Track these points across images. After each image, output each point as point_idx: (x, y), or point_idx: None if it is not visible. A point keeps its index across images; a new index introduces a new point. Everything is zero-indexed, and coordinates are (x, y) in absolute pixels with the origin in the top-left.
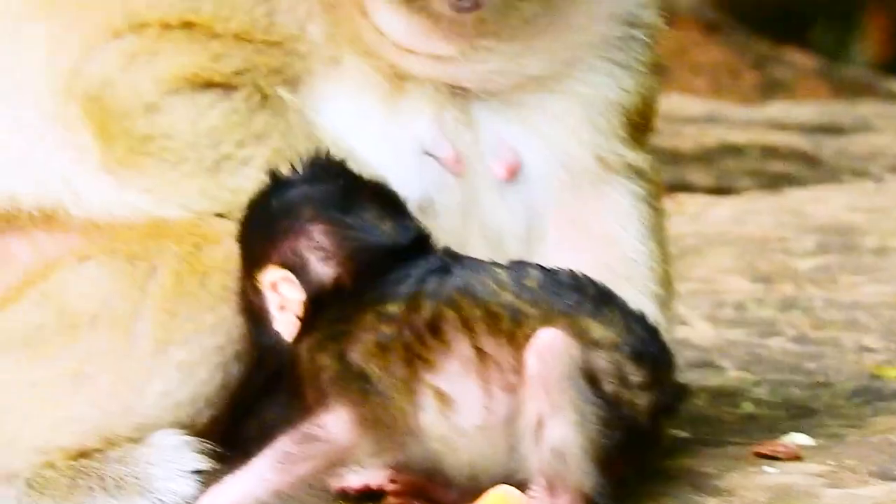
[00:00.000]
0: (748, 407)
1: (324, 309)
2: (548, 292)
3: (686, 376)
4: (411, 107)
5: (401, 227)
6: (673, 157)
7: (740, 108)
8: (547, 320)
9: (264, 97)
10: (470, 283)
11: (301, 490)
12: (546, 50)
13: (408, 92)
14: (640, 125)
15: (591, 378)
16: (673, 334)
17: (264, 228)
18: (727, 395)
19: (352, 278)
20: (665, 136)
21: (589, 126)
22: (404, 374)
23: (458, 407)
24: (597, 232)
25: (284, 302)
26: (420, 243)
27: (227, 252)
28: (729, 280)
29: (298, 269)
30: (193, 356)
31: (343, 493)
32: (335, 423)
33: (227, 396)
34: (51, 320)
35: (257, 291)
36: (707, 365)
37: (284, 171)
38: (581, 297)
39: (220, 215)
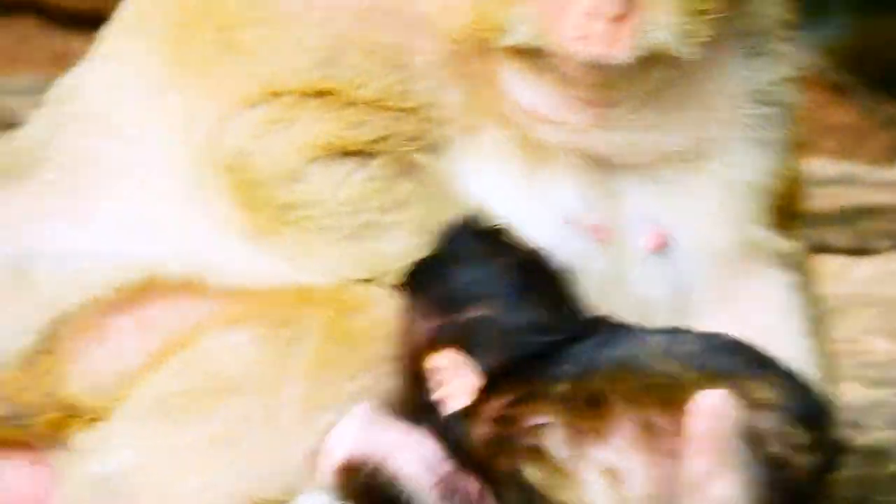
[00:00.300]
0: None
1: (488, 389)
2: (707, 356)
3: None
4: (553, 176)
5: (570, 316)
6: (810, 219)
7: (872, 168)
8: (708, 383)
9: (403, 164)
10: (630, 354)
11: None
12: (682, 125)
13: (549, 161)
14: (785, 209)
15: (753, 439)
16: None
17: (435, 303)
18: (875, 455)
19: (520, 363)
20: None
21: (731, 209)
22: (569, 453)
23: (625, 479)
24: (753, 322)
25: (450, 379)
26: (587, 323)
27: (373, 319)
28: (872, 340)
29: (473, 356)
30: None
31: None
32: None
33: None
34: (196, 387)
35: (422, 362)
36: (854, 425)
37: (454, 241)
38: (741, 360)
39: (364, 282)
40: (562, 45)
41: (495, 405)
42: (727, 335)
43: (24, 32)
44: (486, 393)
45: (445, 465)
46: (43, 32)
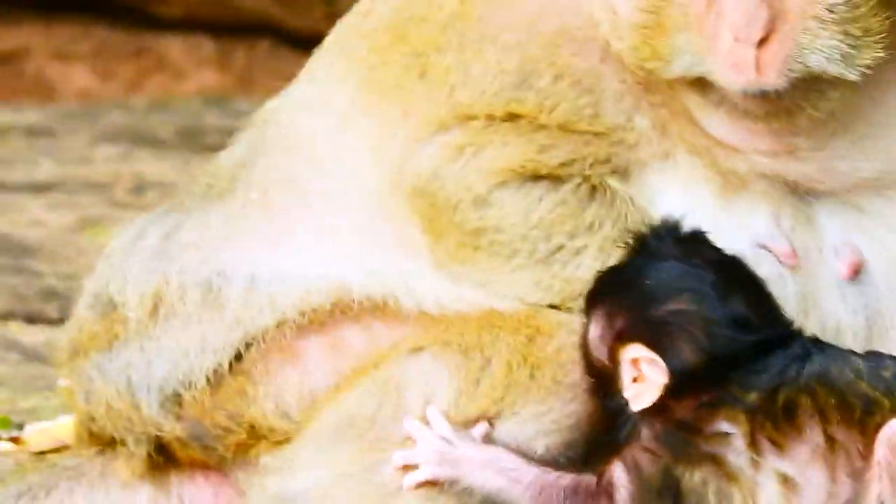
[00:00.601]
0: None
1: (676, 390)
2: None
3: None
4: (746, 201)
5: (769, 320)
6: None
7: None
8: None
9: (593, 187)
10: (828, 372)
11: None
12: (875, 152)
13: (741, 187)
14: None
15: None
16: None
17: (636, 301)
18: None
19: (716, 369)
20: None
21: None
22: (748, 461)
23: (802, 491)
24: None
25: (642, 378)
26: (785, 333)
27: (560, 345)
28: None
29: (665, 354)
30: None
31: None
32: None
33: None
34: (385, 411)
35: (614, 359)
36: None
37: (652, 241)
38: None
39: (553, 306)
40: (718, 75)
41: (682, 407)
42: None
43: (259, 54)
44: (673, 393)
45: (531, 472)
46: (277, 54)
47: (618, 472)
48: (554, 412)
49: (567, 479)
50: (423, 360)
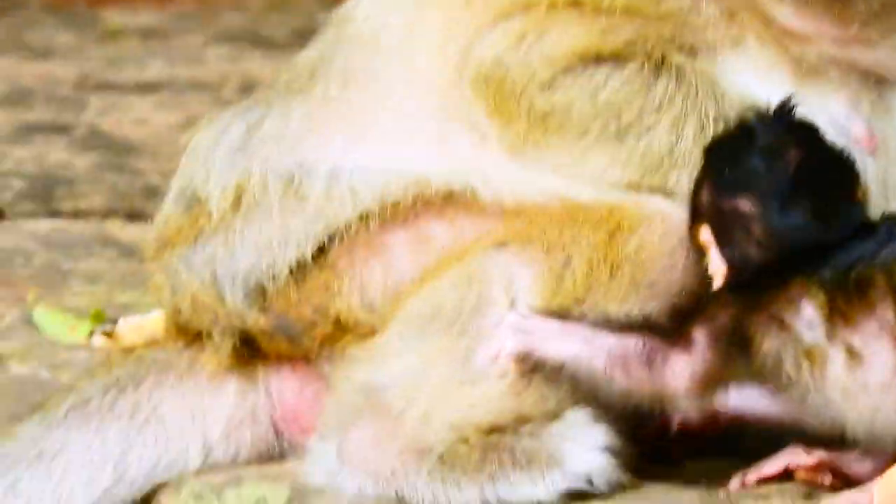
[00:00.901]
0: None
1: (747, 280)
2: None
3: None
4: (822, 87)
5: (842, 220)
6: None
7: None
8: None
9: (658, 65)
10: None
11: (600, 386)
12: None
13: (814, 75)
14: None
15: None
16: None
17: (713, 186)
18: None
19: (779, 265)
20: None
21: None
22: (818, 332)
23: (866, 364)
24: None
25: (711, 261)
26: (862, 228)
27: (641, 243)
28: None
29: (725, 243)
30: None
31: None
32: (681, 368)
33: None
34: (469, 302)
35: (695, 236)
36: None
37: (758, 124)
38: None
39: (633, 187)
40: None
41: (743, 292)
42: None
43: None
44: (738, 279)
45: (609, 337)
46: None
47: (696, 329)
48: (633, 312)
49: (647, 341)
50: (507, 255)
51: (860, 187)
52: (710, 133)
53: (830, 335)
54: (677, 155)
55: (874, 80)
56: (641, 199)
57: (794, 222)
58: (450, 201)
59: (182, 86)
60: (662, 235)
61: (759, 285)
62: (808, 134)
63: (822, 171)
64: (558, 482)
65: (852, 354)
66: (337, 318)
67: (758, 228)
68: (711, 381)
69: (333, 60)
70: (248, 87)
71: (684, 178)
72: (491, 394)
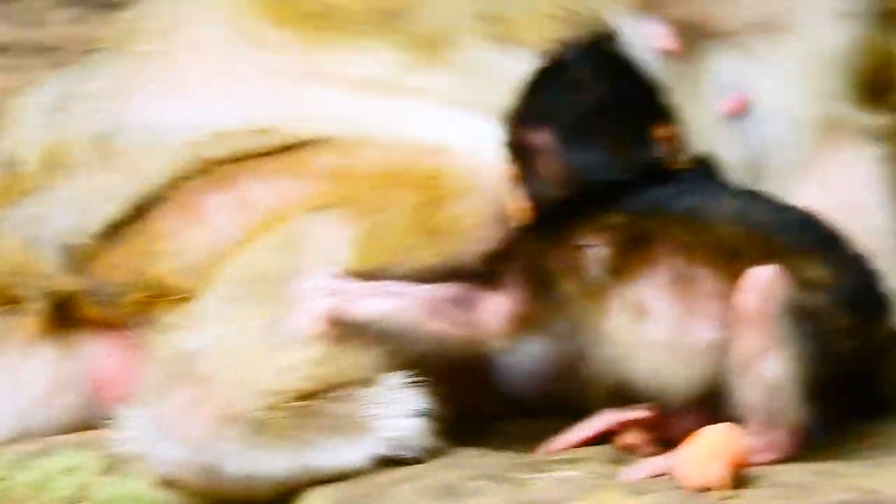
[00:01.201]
0: None
1: (546, 217)
2: (773, 227)
3: None
4: None
5: (641, 160)
6: None
7: None
8: (765, 256)
9: None
10: (699, 206)
11: (414, 336)
12: None
13: None
14: (873, 83)
15: (801, 317)
16: None
17: (518, 116)
18: None
19: (576, 202)
20: None
21: (813, 81)
22: (604, 280)
23: (649, 318)
24: (836, 194)
25: (515, 197)
26: (672, 172)
27: (460, 211)
28: None
29: (525, 179)
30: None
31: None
32: (494, 309)
33: None
34: (286, 266)
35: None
36: None
37: (572, 54)
38: (805, 237)
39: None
40: None
41: (542, 225)
42: (801, 209)
43: None
44: (532, 220)
45: (421, 289)
46: None
47: (506, 269)
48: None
49: (460, 287)
50: (325, 218)
51: (671, 127)
52: None
53: (615, 282)
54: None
55: (690, 33)
56: (466, 160)
57: (588, 158)
58: (271, 160)
59: (25, 49)
60: (484, 203)
61: (557, 222)
62: (618, 67)
63: (625, 107)
64: (369, 448)
65: (636, 307)
66: (154, 283)
67: (554, 163)
68: (524, 321)
69: (150, 17)
70: (90, 52)
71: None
72: (302, 359)
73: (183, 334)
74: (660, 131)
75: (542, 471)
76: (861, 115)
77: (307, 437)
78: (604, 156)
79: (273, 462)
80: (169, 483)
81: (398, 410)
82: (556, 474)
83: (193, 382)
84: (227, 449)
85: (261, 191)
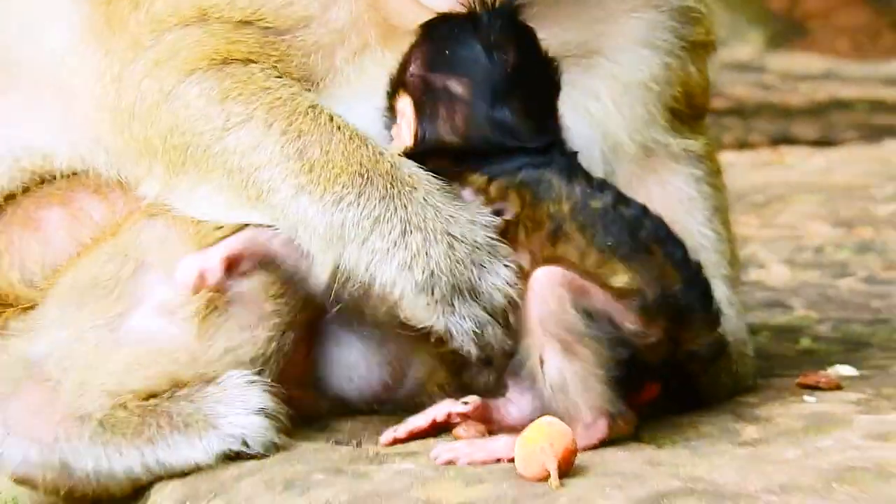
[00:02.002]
0: (806, 342)
1: (426, 156)
2: (602, 221)
3: (756, 315)
4: None
5: (537, 132)
6: (783, 112)
7: (857, 65)
8: (577, 250)
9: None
10: (541, 182)
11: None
12: (580, 22)
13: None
14: (687, 109)
15: (590, 315)
16: (743, 311)
17: (429, 61)
18: (789, 332)
19: (462, 155)
20: (778, 93)
21: (628, 108)
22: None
23: None
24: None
25: (399, 130)
26: (550, 146)
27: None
28: (811, 225)
29: (422, 117)
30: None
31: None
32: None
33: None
34: (126, 270)
35: (393, 101)
36: (777, 305)
37: (488, 15)
38: (629, 237)
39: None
40: None
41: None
42: (642, 207)
43: None
44: (415, 155)
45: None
46: None
47: None
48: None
49: None
50: (157, 224)
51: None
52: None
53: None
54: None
55: None
56: None
57: (499, 118)
58: (107, 181)
59: None
60: None
61: (435, 167)
62: (527, 37)
63: (535, 78)
64: (214, 444)
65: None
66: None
67: (462, 112)
68: None
69: None
70: None
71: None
72: (144, 358)
73: (26, 339)
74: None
75: (382, 463)
76: (675, 140)
77: (155, 435)
78: (514, 118)
79: (122, 459)
80: (22, 481)
81: (240, 407)
82: (395, 466)
83: (39, 385)
84: (76, 448)
85: (94, 206)
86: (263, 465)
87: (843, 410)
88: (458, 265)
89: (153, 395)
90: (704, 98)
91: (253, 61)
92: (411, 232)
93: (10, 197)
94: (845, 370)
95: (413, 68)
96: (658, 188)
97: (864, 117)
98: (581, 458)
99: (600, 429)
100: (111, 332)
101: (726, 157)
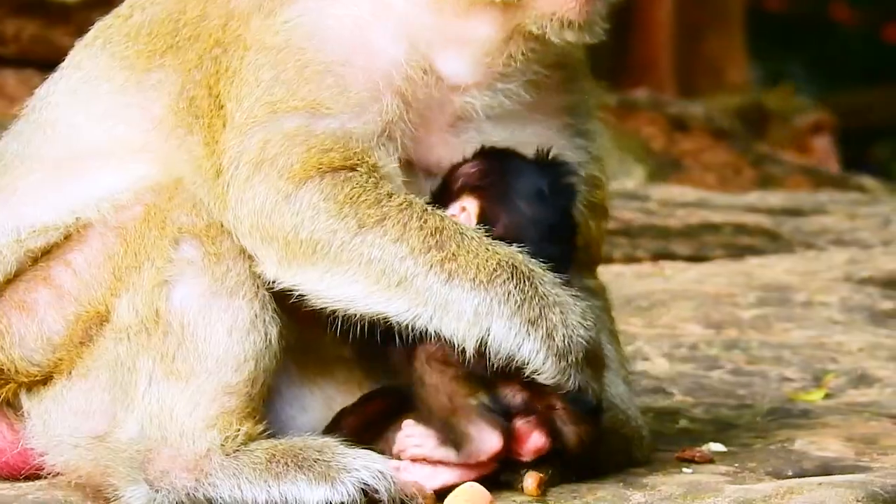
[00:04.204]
0: (684, 423)
1: None
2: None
3: (642, 400)
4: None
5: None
6: (663, 233)
7: (725, 195)
8: None
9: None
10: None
11: None
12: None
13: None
14: (584, 259)
15: None
16: (632, 399)
17: (502, 174)
18: (670, 414)
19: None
20: (659, 217)
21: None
22: None
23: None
24: None
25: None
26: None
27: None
28: (686, 326)
29: (482, 217)
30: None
31: None
32: None
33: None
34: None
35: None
36: (659, 391)
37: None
38: None
39: None
40: None
41: None
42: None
43: None
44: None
45: None
46: None
47: None
48: None
49: None
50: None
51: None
52: None
53: None
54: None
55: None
56: None
57: (548, 251)
58: (68, 243)
59: None
60: None
61: None
62: (573, 193)
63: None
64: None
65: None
66: (3, 370)
67: (518, 230)
68: None
69: (9, 144)
70: None
71: None
72: (206, 381)
73: (115, 430)
74: None
75: None
76: (583, 279)
77: (281, 472)
78: (558, 254)
79: (252, 489)
80: None
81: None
82: None
83: (158, 451)
84: (214, 483)
85: (65, 276)
86: None
87: (715, 480)
88: (588, 333)
89: (244, 411)
90: (598, 249)
91: (357, 165)
92: (551, 307)
93: (5, 279)
94: (716, 447)
95: (488, 181)
96: None
97: (729, 238)
98: None
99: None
100: (167, 372)
101: (616, 269)
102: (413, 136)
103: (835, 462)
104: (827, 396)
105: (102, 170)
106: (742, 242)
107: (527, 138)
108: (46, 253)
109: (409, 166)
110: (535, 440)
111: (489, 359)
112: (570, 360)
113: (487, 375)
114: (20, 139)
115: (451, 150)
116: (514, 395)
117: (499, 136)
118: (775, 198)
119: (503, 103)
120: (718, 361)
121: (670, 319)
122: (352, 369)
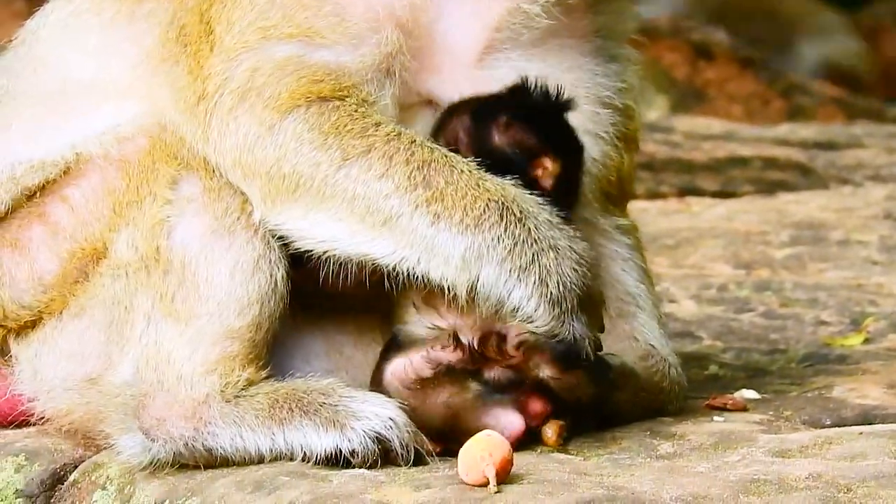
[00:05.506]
0: (713, 369)
1: None
2: None
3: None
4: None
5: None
6: (688, 167)
7: (753, 128)
8: None
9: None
10: None
11: None
12: None
13: None
14: (616, 195)
15: None
16: (669, 345)
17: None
18: (698, 360)
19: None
20: (684, 150)
21: None
22: None
23: None
24: (603, 276)
25: None
26: None
27: None
28: (715, 266)
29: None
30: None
31: None
32: None
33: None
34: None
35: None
36: (687, 335)
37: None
38: None
39: None
40: None
41: None
42: None
43: None
44: None
45: None
46: None
47: None
48: None
49: None
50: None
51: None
52: None
53: None
54: None
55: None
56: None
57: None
58: (66, 178)
59: None
60: None
61: None
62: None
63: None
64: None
65: None
66: None
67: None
68: None
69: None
70: None
71: None
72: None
73: (108, 373)
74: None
75: (341, 468)
76: (608, 218)
77: (285, 418)
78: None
79: (254, 437)
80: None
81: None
82: (352, 472)
83: (153, 395)
84: (213, 431)
85: (62, 213)
86: (236, 469)
87: (748, 430)
88: (583, 279)
89: (247, 357)
90: (630, 185)
91: (347, 96)
92: (544, 251)
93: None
94: (749, 394)
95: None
96: (598, 249)
97: (759, 173)
98: (516, 468)
99: None
100: (166, 313)
101: (641, 205)
102: (420, 68)
103: (875, 410)
104: (866, 341)
105: (101, 105)
106: (772, 177)
107: (557, 67)
108: (42, 189)
109: (429, 105)
110: (533, 407)
111: (479, 305)
112: (563, 307)
113: (467, 368)
114: (9, 74)
115: (476, 85)
116: (499, 372)
117: (528, 67)
118: (807, 130)
119: (529, 24)
120: (749, 304)
121: (698, 259)
122: (362, 318)
